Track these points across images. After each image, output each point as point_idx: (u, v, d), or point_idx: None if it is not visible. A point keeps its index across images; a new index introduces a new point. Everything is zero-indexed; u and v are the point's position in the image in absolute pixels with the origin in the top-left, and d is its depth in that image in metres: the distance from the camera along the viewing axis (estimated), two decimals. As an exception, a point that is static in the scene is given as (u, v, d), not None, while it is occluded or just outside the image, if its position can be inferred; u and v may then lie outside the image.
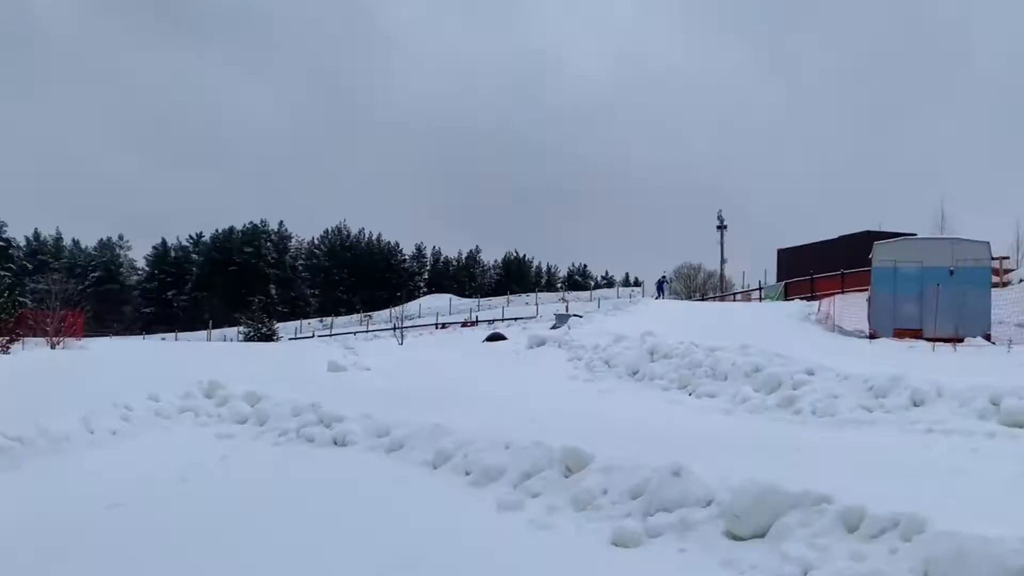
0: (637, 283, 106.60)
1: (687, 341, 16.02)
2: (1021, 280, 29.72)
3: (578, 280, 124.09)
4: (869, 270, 24.18)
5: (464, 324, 52.33)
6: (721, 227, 60.64)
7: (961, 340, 19.98)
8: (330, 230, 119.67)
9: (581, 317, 27.80)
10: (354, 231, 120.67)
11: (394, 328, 40.96)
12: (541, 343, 21.57)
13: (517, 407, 11.30)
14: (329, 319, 78.07)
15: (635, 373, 15.78)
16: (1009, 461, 7.66)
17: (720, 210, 61.52)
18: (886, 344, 20.30)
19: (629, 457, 6.65)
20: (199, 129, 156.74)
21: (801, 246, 43.56)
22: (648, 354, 16.19)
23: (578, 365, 17.89)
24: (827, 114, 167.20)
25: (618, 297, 65.00)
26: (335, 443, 9.36)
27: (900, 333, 21.87)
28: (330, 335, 53.77)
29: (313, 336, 54.56)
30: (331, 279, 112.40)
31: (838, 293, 29.34)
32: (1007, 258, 40.39)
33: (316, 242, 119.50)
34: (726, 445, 8.32)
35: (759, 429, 10.28)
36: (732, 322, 24.04)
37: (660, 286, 48.74)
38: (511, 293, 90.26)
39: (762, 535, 5.14)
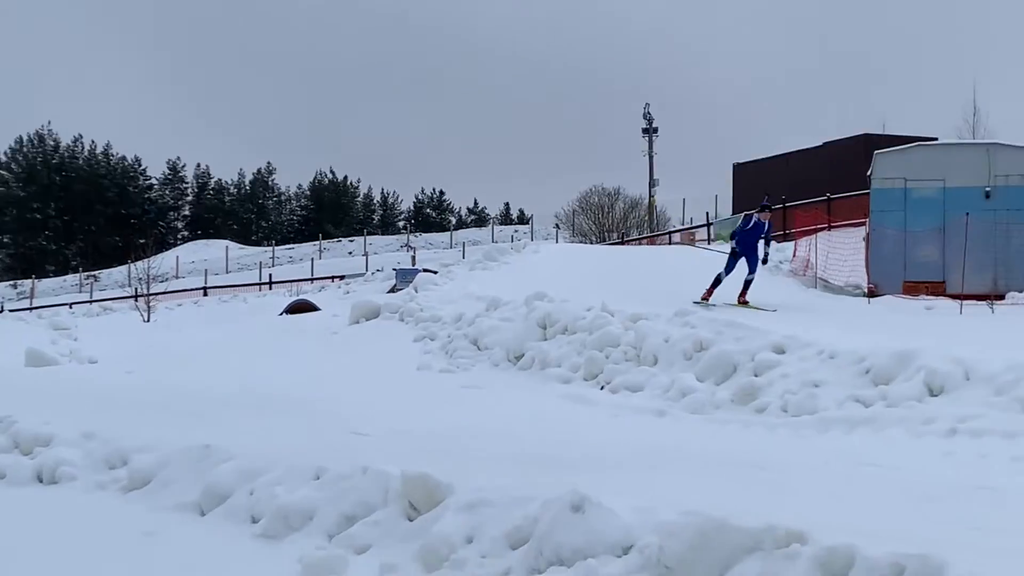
0: (523, 219, 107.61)
1: (598, 306, 16.26)
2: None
3: (431, 216, 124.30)
4: (867, 193, 25.10)
5: (252, 287, 51.65)
6: (650, 131, 61.82)
7: (1002, 297, 21.08)
8: (26, 139, 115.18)
9: (436, 273, 27.95)
10: (65, 140, 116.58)
11: (136, 296, 40.00)
12: (373, 314, 21.59)
13: (334, 415, 11.23)
14: (27, 283, 75.51)
15: (519, 358, 15.97)
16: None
17: (647, 105, 62.63)
18: (892, 304, 21.27)
19: (507, 487, 6.73)
20: None
21: (767, 159, 44.83)
22: (539, 328, 16.40)
23: (431, 347, 17.98)
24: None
25: (493, 241, 65.55)
26: (40, 480, 9.12)
27: (913, 288, 22.94)
28: (31, 308, 52.09)
29: (1, 310, 52.69)
30: (29, 217, 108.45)
31: (823, 229, 30.40)
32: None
33: (3, 159, 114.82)
34: (654, 463, 8.53)
35: (704, 437, 10.61)
36: (666, 275, 24.54)
37: (757, 231, 22.39)
38: (325, 237, 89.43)
39: (707, 595, 5.30)
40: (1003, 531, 5.96)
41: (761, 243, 20.35)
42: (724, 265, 20.47)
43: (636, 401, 12.88)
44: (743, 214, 23.77)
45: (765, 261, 20.81)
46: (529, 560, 5.92)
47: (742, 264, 20.27)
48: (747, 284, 20.13)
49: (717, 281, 19.95)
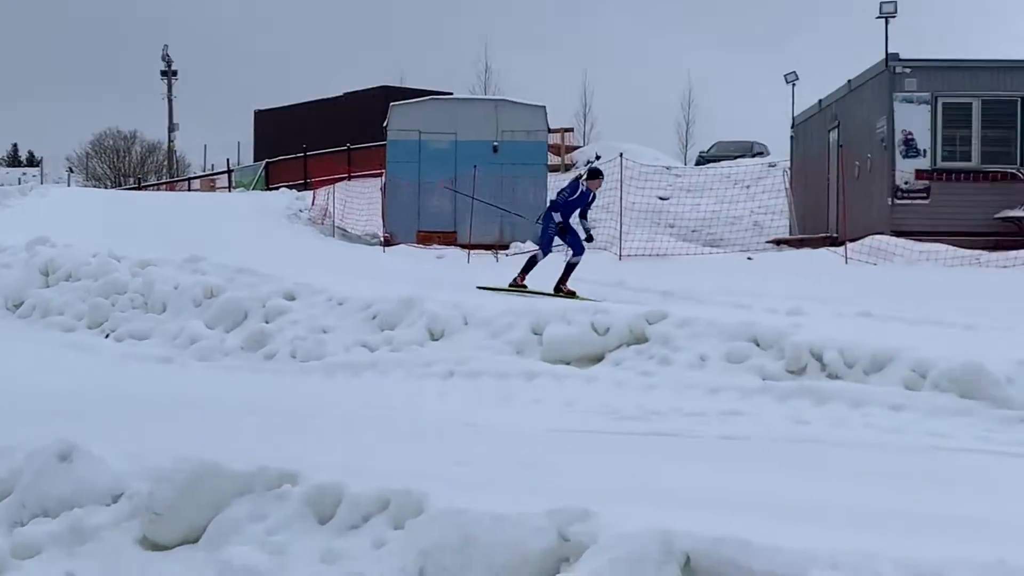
0: (32, 162, 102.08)
1: (104, 252, 15.82)
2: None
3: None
4: (385, 145, 25.86)
5: None
6: (168, 73, 60.44)
7: (507, 246, 22.42)
8: None
9: (-74, 216, 26.15)
10: None
11: None
12: None
13: None
14: None
15: (18, 306, 15.24)
16: (548, 411, 8.82)
17: (166, 47, 61.18)
18: (406, 253, 22.10)
19: (-11, 439, 6.45)
20: None
21: (290, 107, 45.06)
22: (41, 274, 15.76)
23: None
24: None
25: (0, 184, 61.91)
26: None
27: (426, 237, 23.95)
28: None
29: None
30: None
31: (343, 179, 31.03)
32: (571, 129, 45.99)
33: None
34: (155, 410, 8.43)
35: (211, 384, 10.62)
36: (183, 223, 24.21)
37: (581, 201, 16.94)
38: None
39: (196, 539, 5.28)
40: (482, 463, 6.36)
41: (577, 217, 16.02)
42: (539, 243, 16.64)
43: (143, 349, 12.67)
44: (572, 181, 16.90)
45: (590, 239, 16.30)
46: (11, 513, 5.73)
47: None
48: (570, 268, 15.81)
49: (532, 262, 16.15)
